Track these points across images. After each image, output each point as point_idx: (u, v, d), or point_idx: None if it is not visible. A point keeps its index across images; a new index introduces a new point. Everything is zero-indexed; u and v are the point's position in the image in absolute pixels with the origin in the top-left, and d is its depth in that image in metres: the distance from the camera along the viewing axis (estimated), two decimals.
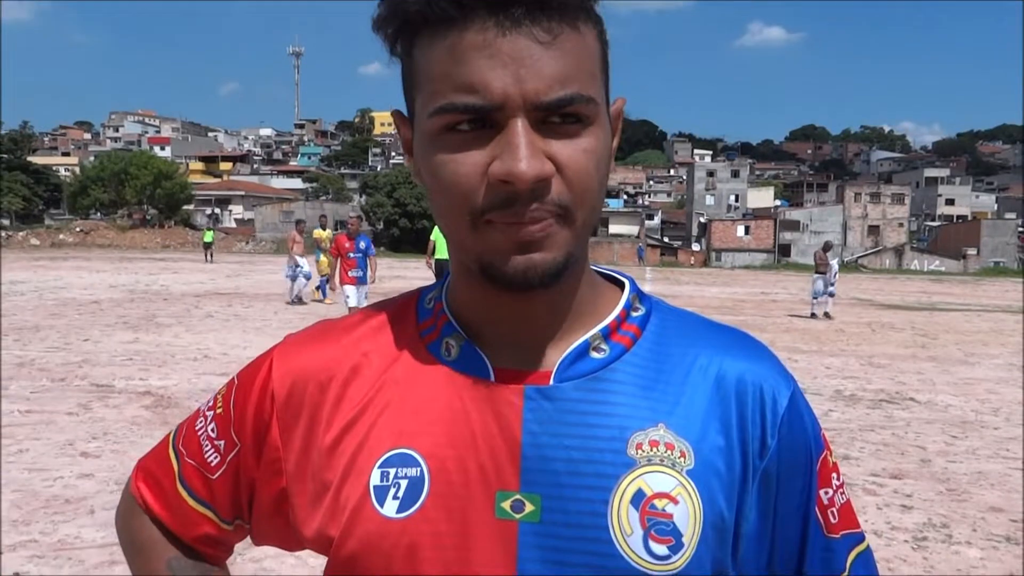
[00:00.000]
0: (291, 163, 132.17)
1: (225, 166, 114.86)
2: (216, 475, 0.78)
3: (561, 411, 0.68)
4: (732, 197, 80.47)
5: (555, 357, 0.70)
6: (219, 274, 27.12)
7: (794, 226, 65.43)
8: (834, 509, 0.74)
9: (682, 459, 0.67)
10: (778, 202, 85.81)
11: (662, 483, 0.66)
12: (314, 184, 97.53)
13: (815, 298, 17.39)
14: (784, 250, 64.41)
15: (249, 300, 17.33)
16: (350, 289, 11.44)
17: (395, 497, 0.68)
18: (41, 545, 3.84)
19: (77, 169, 75.02)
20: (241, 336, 11.32)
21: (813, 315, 17.28)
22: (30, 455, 5.28)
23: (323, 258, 16.02)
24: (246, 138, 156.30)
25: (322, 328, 0.80)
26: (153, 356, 9.36)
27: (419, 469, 0.68)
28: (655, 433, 0.68)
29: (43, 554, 3.74)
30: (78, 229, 54.18)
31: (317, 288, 17.00)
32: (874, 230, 67.01)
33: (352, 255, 11.51)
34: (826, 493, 0.73)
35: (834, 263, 17.44)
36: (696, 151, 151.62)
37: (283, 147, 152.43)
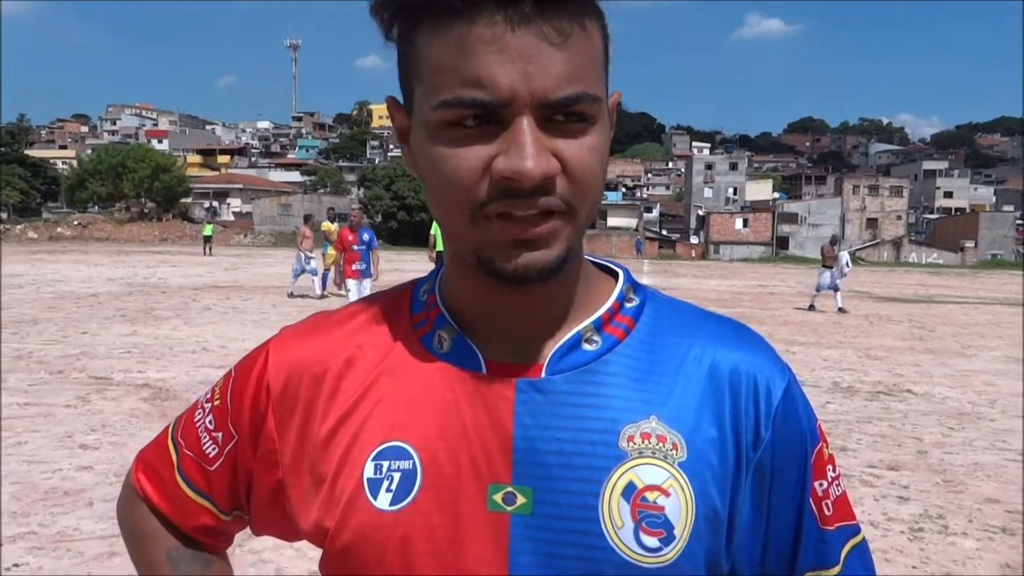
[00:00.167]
0: (289, 156, 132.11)
1: (223, 159, 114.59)
2: (214, 467, 0.79)
3: (553, 404, 0.68)
4: (730, 190, 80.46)
5: (547, 350, 0.70)
6: (217, 267, 27.10)
7: (792, 219, 65.43)
8: (828, 501, 0.73)
9: (674, 451, 0.67)
10: (776, 195, 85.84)
11: (653, 475, 0.66)
12: (312, 177, 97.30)
13: (818, 291, 17.30)
14: (782, 243, 64.43)
15: (247, 293, 17.31)
16: (352, 283, 11.43)
17: (388, 490, 0.68)
18: (40, 537, 3.85)
19: (74, 162, 75.00)
20: (239, 329, 11.32)
21: (812, 307, 17.24)
22: (29, 447, 5.28)
23: (331, 250, 15.99)
24: (244, 131, 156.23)
25: (317, 320, 0.80)
26: (151, 349, 9.36)
27: (412, 462, 0.68)
28: (647, 425, 0.68)
29: (42, 546, 3.75)
30: (76, 222, 54.12)
31: (333, 282, 16.86)
32: (872, 223, 67.03)
33: (355, 247, 11.50)
34: (821, 485, 0.73)
35: (844, 255, 17.36)
36: (694, 144, 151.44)
37: (281, 140, 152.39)
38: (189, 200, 69.80)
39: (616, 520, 0.65)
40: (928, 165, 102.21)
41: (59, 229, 51.94)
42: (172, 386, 7.29)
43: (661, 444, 0.67)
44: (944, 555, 4.02)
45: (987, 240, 62.44)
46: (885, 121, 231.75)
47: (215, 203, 75.66)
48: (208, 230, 39.66)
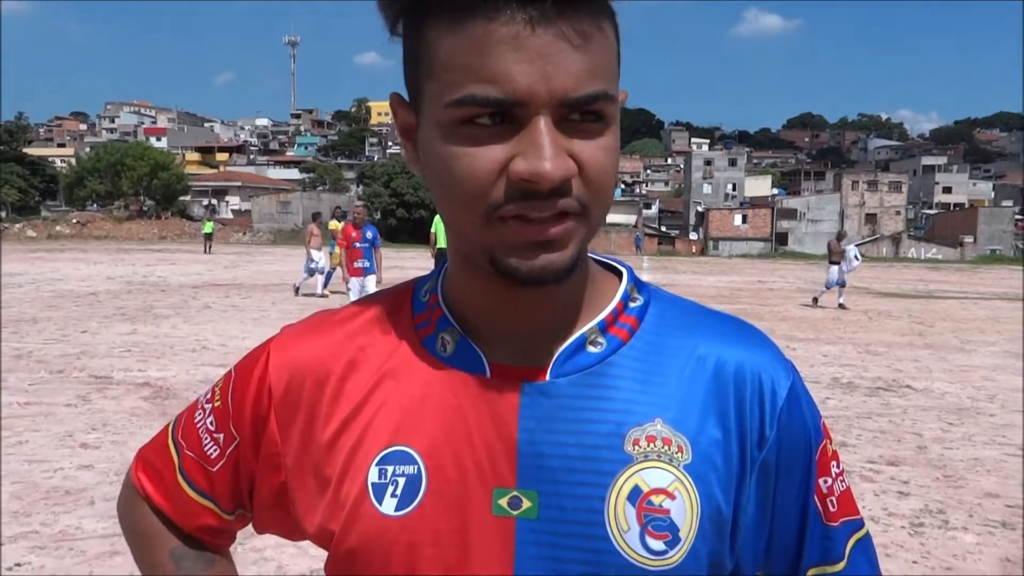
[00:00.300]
0: (288, 153, 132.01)
1: (221, 157, 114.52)
2: (216, 468, 0.78)
3: (558, 408, 0.68)
4: (729, 186, 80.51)
5: (552, 352, 0.70)
6: (216, 265, 27.09)
7: (791, 215, 65.45)
8: (833, 498, 0.74)
9: (679, 454, 0.67)
10: (775, 190, 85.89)
11: (659, 479, 0.66)
12: (311, 174, 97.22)
13: (827, 287, 17.18)
14: (781, 239, 64.46)
15: (247, 291, 17.32)
16: (354, 281, 11.41)
17: (393, 495, 0.68)
18: (42, 536, 3.86)
19: (73, 160, 74.95)
20: (239, 327, 11.33)
21: (815, 300, 17.15)
22: (30, 447, 5.29)
23: (338, 249, 15.96)
24: (242, 128, 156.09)
25: (318, 320, 0.79)
26: (151, 347, 9.36)
27: (416, 467, 0.68)
28: (652, 428, 0.68)
29: (44, 545, 3.76)
30: (75, 221, 54.12)
31: (342, 279, 16.80)
32: (871, 218, 67.04)
33: (358, 245, 11.44)
34: (825, 482, 0.73)
35: (852, 249, 17.30)
36: (693, 140, 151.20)
37: (279, 137, 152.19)
38: (188, 198, 69.73)
39: (622, 524, 0.65)
40: (927, 160, 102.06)
41: (58, 227, 51.91)
42: (172, 385, 7.29)
43: (667, 447, 0.67)
44: (944, 550, 4.03)
45: (986, 235, 62.46)
46: (884, 116, 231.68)
47: (214, 201, 75.60)
48: (208, 228, 39.61)
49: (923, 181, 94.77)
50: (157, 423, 5.80)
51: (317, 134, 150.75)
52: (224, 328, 11.18)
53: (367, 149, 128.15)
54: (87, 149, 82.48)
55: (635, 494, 0.66)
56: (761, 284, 25.35)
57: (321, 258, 15.98)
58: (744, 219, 65.19)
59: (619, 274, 0.77)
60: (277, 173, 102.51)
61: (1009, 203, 77.81)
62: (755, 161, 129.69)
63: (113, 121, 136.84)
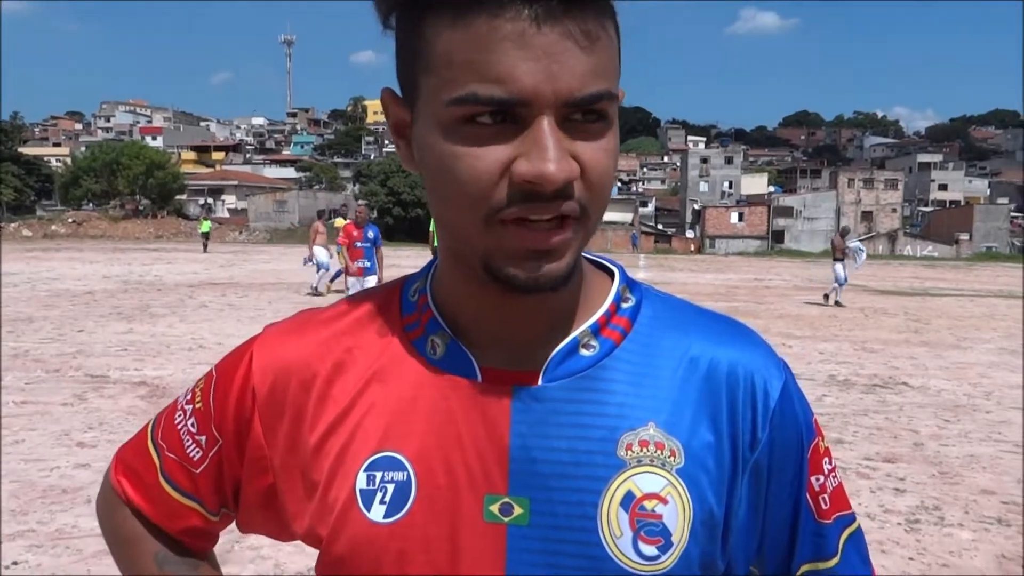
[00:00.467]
0: (284, 152, 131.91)
1: (217, 156, 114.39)
2: (199, 469, 0.77)
3: (550, 412, 0.67)
4: (726, 184, 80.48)
5: (544, 356, 0.68)
6: (213, 264, 27.05)
7: (788, 212, 65.51)
8: (826, 495, 0.73)
9: (672, 458, 0.67)
10: (772, 188, 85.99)
11: (652, 484, 0.66)
12: (307, 173, 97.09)
13: (842, 283, 17.00)
14: (778, 236, 64.51)
15: (243, 290, 17.31)
16: (353, 281, 11.38)
17: (382, 502, 0.67)
18: (39, 534, 3.86)
19: (68, 160, 74.69)
20: (236, 326, 11.31)
21: (835, 301, 16.84)
22: (26, 446, 5.28)
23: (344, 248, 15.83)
24: (238, 127, 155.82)
25: (303, 319, 0.77)
26: (148, 346, 9.35)
27: (406, 473, 0.67)
28: (645, 433, 0.67)
29: (41, 543, 3.76)
30: (70, 220, 54.04)
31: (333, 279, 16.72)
32: (867, 216, 67.11)
33: (359, 244, 11.38)
34: (817, 480, 0.73)
35: (856, 244, 17.22)
36: (690, 138, 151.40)
37: (276, 136, 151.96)
38: (184, 197, 69.64)
39: (615, 530, 0.65)
40: (923, 158, 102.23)
41: (53, 227, 51.83)
42: (169, 383, 7.28)
43: (659, 451, 0.66)
44: (940, 546, 4.04)
45: (981, 233, 62.54)
46: (880, 114, 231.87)
47: (210, 200, 75.49)
48: (206, 227, 39.53)
49: (919, 179, 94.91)
50: None
51: (313, 133, 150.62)
52: (221, 327, 11.17)
53: (363, 148, 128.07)
54: (83, 148, 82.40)
55: (628, 500, 0.65)
56: (758, 282, 25.38)
57: (324, 256, 15.88)
58: (740, 217, 65.22)
59: (611, 274, 0.76)
60: (273, 172, 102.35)
61: (1005, 200, 78.04)
62: (751, 159, 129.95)
63: (109, 120, 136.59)
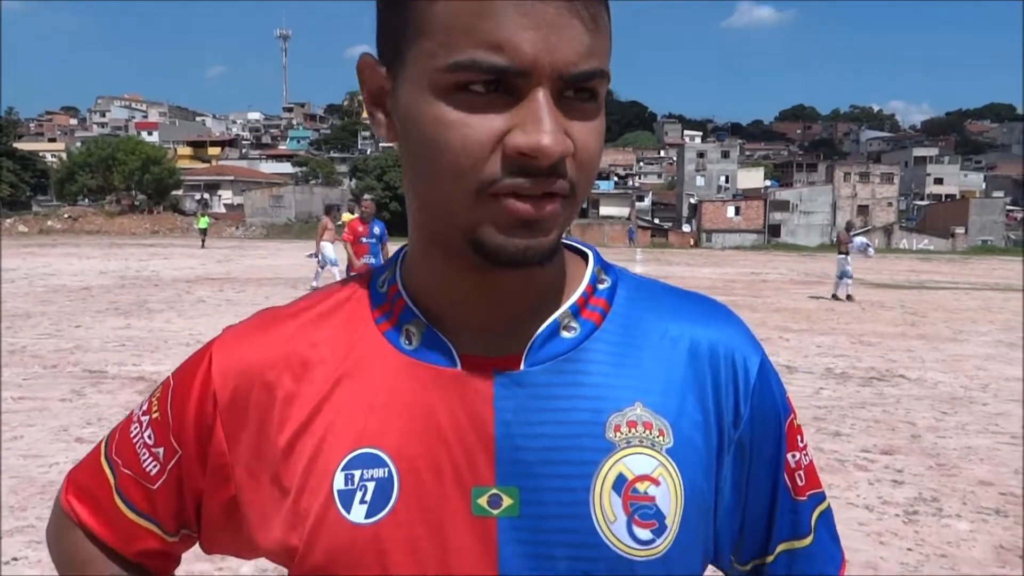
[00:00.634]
0: (280, 147, 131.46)
1: (213, 151, 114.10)
2: (156, 485, 0.72)
3: (534, 397, 0.64)
4: (722, 178, 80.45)
5: (524, 339, 0.66)
6: (210, 259, 27.03)
7: (784, 206, 65.56)
8: (801, 472, 0.73)
9: (660, 438, 0.65)
10: (768, 182, 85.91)
11: (643, 465, 0.64)
12: (303, 168, 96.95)
13: (850, 279, 16.98)
14: (774, 230, 64.58)
15: (241, 285, 17.29)
16: None
17: (362, 501, 0.63)
18: (38, 530, 3.84)
19: (64, 155, 74.52)
20: (233, 321, 11.14)
21: (849, 297, 16.76)
22: (25, 441, 5.28)
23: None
24: (234, 122, 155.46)
25: (265, 318, 0.74)
26: (145, 342, 9.35)
27: (387, 470, 0.63)
28: (632, 413, 0.65)
29: (40, 539, 3.74)
30: (66, 215, 53.95)
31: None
32: (863, 210, 67.20)
33: (364, 240, 11.31)
34: (793, 457, 0.72)
35: (862, 240, 17.22)
36: (686, 132, 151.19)
37: (272, 131, 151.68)
38: (180, 192, 69.61)
39: (608, 514, 0.63)
40: (918, 152, 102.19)
41: (49, 222, 51.74)
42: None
43: (648, 431, 0.65)
44: (939, 537, 4.06)
45: (977, 226, 62.68)
46: (876, 108, 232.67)
47: (206, 195, 75.38)
48: (203, 222, 39.44)
49: (915, 172, 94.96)
50: None
51: (309, 128, 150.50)
52: (218, 322, 11.15)
53: (359, 142, 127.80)
54: (78, 144, 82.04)
55: (620, 482, 0.63)
56: (755, 276, 25.41)
57: (332, 252, 15.79)
58: (737, 211, 65.26)
59: (584, 256, 0.74)
60: (269, 167, 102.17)
61: (1000, 194, 78.09)
62: (748, 153, 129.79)
63: (104, 115, 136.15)
